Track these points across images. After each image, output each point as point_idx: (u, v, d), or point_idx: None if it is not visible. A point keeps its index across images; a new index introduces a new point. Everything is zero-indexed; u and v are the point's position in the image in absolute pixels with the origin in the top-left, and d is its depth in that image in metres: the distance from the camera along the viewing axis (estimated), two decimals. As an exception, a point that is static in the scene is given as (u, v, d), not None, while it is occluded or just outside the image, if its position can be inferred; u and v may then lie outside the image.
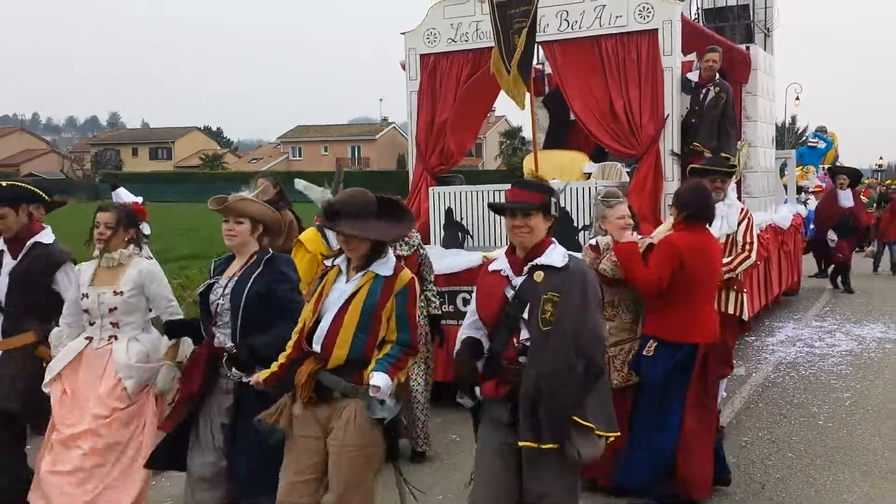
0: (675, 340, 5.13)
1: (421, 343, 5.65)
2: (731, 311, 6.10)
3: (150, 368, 4.73)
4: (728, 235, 6.12)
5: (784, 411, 7.33)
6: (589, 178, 9.75)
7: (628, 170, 9.29)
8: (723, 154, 8.98)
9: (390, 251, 4.04)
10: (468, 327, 3.98)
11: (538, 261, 3.74)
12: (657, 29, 8.30)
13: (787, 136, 51.53)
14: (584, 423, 3.61)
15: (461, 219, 8.65)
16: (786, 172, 13.95)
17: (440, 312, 6.43)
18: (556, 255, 3.76)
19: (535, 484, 3.71)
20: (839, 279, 14.93)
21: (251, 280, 4.34)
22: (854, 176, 15.73)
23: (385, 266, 3.95)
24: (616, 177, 9.74)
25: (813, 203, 18.07)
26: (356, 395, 3.85)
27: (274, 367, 4.03)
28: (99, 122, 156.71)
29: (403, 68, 9.74)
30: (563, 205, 6.71)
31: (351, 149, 78.17)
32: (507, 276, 3.81)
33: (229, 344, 4.32)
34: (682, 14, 8.67)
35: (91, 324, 4.77)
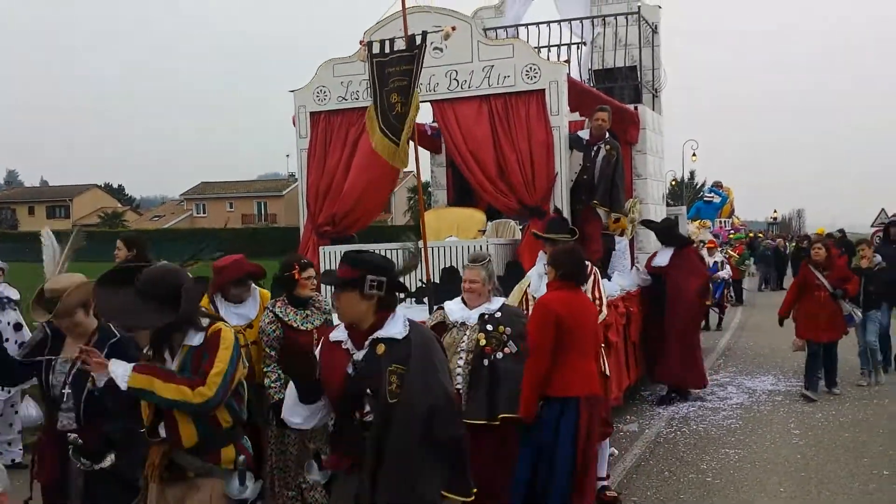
0: (559, 396, 5.15)
1: None
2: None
3: None
4: None
5: (674, 468, 7.32)
6: (484, 235, 9.75)
7: (521, 227, 9.32)
8: (614, 210, 9.19)
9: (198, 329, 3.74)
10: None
11: (378, 334, 3.57)
12: (544, 89, 8.44)
13: (685, 190, 53.16)
14: (450, 496, 3.48)
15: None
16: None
17: None
18: (395, 326, 3.60)
19: None
20: None
21: None
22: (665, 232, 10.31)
23: (195, 336, 3.70)
24: (510, 234, 9.76)
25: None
26: (212, 475, 3.68)
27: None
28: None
29: (295, 123, 9.61)
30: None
31: (257, 205, 77.23)
32: (348, 350, 3.64)
33: (72, 435, 4.06)
34: (568, 75, 8.83)
35: None
